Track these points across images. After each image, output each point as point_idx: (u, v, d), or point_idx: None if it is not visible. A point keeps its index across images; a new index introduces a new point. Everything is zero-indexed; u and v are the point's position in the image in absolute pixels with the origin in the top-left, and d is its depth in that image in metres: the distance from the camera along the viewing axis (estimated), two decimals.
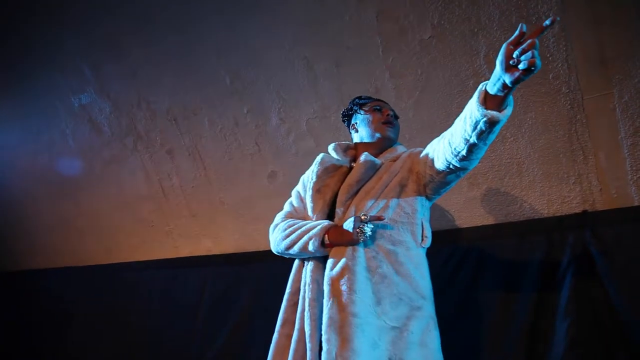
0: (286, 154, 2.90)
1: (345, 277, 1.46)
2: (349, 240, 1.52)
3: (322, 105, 2.65)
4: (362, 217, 1.52)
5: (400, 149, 1.80)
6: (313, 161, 1.82)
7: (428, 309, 1.53)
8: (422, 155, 1.64)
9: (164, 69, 3.10)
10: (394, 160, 1.72)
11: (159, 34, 3.00)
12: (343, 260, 1.50)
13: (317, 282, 1.54)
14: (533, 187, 2.23)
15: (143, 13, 2.98)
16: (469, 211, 2.40)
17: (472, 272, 2.25)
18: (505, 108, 1.23)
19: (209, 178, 3.25)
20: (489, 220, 2.34)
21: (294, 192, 1.87)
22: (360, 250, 1.51)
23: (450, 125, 2.37)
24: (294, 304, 1.62)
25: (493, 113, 1.21)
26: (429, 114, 2.40)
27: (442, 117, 2.37)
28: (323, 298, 1.49)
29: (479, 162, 2.31)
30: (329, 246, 1.56)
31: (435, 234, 2.44)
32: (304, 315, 1.51)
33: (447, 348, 2.19)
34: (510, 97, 1.22)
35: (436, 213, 2.48)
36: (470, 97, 2.32)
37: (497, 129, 1.26)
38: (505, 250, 2.19)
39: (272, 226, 1.81)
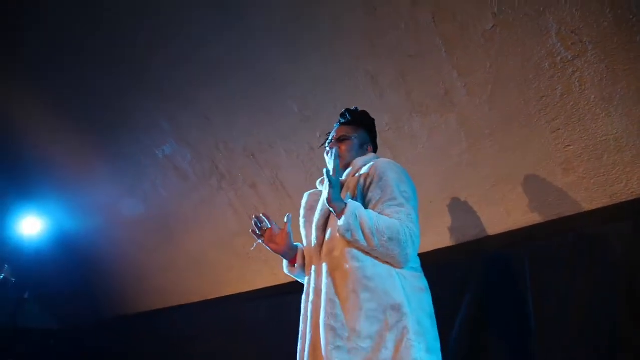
0: None
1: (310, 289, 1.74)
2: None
3: (393, 117, 2.63)
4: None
5: (358, 162, 1.84)
6: None
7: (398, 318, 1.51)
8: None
9: (234, 109, 3.23)
10: (354, 175, 1.80)
11: (224, 77, 3.14)
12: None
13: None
14: (638, 162, 2.06)
15: (207, 58, 3.12)
16: (568, 198, 2.27)
17: (585, 264, 2.09)
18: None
19: (295, 205, 3.32)
20: (593, 205, 2.19)
21: None
22: (314, 268, 1.78)
23: (528, 113, 2.23)
24: None
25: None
26: (506, 106, 2.30)
27: (520, 106, 2.26)
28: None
29: (570, 146, 2.20)
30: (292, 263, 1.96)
31: (536, 228, 2.36)
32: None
33: (559, 331, 2.07)
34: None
35: (533, 204, 2.37)
36: (547, 79, 2.19)
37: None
38: (618, 235, 2.03)
39: None
